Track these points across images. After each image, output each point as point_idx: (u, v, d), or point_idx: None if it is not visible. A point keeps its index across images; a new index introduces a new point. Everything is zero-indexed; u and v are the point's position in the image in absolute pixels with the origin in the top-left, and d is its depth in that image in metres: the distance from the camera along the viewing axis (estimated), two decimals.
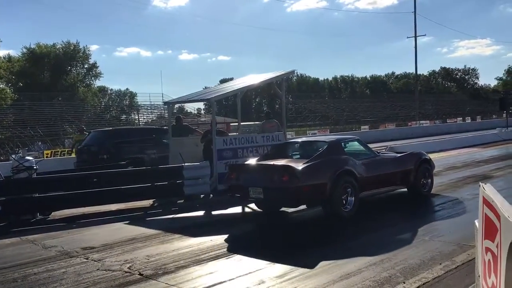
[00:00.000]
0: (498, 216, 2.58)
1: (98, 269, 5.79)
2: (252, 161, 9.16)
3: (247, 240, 6.88)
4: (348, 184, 8.03)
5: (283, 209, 9.27)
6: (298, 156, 9.30)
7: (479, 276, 3.49)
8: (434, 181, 10.17)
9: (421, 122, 50.44)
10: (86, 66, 64.29)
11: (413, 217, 8.26)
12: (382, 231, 7.20)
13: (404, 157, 9.76)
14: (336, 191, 7.82)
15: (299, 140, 10.93)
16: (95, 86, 69.70)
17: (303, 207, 8.66)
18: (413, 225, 7.40)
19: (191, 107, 55.74)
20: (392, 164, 9.37)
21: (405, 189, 9.75)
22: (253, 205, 9.81)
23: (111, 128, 15.28)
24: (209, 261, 5.94)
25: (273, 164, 8.38)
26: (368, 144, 9.87)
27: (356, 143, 9.48)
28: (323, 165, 8.03)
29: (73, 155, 15.88)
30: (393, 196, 10.40)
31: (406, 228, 7.21)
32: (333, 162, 8.20)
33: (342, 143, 9.02)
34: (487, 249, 2.92)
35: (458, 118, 59.16)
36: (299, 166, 7.80)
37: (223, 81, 64.02)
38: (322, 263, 5.56)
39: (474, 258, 4.32)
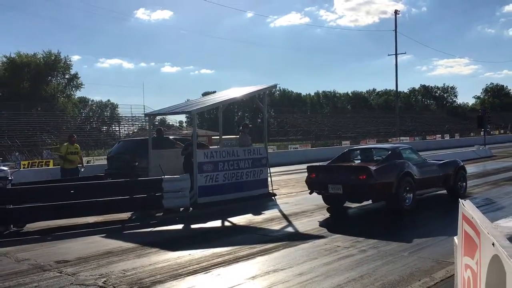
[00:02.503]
0: (478, 233, 2.56)
1: (72, 283, 5.62)
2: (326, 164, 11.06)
3: (226, 255, 6.77)
4: (408, 184, 9.68)
5: (263, 223, 9.22)
6: (359, 160, 11.13)
7: None
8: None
9: (401, 138, 51.12)
10: (67, 76, 63.63)
11: (392, 232, 8.24)
12: (361, 244, 7.15)
13: (445, 163, 11.43)
14: (400, 188, 9.48)
15: (358, 147, 13.13)
16: (76, 97, 69.02)
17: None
18: (392, 240, 7.37)
19: (173, 120, 55.62)
20: (437, 169, 10.98)
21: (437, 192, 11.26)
22: (232, 219, 9.74)
23: (141, 138, 15.58)
24: (187, 276, 5.81)
25: (352, 165, 10.38)
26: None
27: (409, 150, 10.99)
28: (390, 167, 9.74)
29: (52, 165, 15.40)
30: (372, 209, 10.46)
31: (384, 243, 7.18)
32: (397, 165, 9.84)
33: (400, 150, 10.56)
34: (467, 266, 2.89)
35: (437, 135, 60.12)
36: (373, 167, 9.36)
37: (205, 94, 64.01)
38: (301, 279, 5.49)
39: (453, 275, 4.31)
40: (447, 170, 11.13)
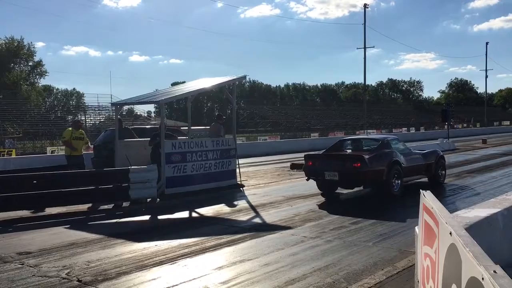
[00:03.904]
0: (436, 223, 2.63)
1: (34, 275, 5.51)
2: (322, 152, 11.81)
3: (193, 246, 6.75)
4: (397, 171, 10.52)
5: (231, 214, 9.23)
6: (351, 150, 11.84)
7: (418, 281, 3.56)
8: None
9: (368, 131, 51.86)
10: (30, 63, 61.82)
11: (358, 222, 8.37)
12: (327, 235, 7.26)
13: (427, 153, 12.46)
14: (390, 175, 10.30)
15: (350, 138, 14.16)
16: (40, 85, 67.17)
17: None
18: (357, 230, 7.52)
19: (141, 110, 54.76)
20: (421, 158, 11.94)
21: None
22: (200, 210, 9.72)
23: (128, 127, 15.33)
24: (153, 267, 5.78)
25: (347, 154, 11.28)
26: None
27: (395, 140, 11.77)
28: (381, 156, 10.55)
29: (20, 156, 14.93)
30: (341, 200, 10.64)
31: (350, 233, 7.31)
32: (387, 154, 10.69)
33: (389, 140, 11.36)
34: (426, 255, 2.98)
35: (403, 128, 61.35)
36: (367, 156, 10.13)
37: (174, 84, 63.26)
38: (267, 269, 5.54)
39: (415, 263, 4.43)
40: (429, 159, 12.08)
